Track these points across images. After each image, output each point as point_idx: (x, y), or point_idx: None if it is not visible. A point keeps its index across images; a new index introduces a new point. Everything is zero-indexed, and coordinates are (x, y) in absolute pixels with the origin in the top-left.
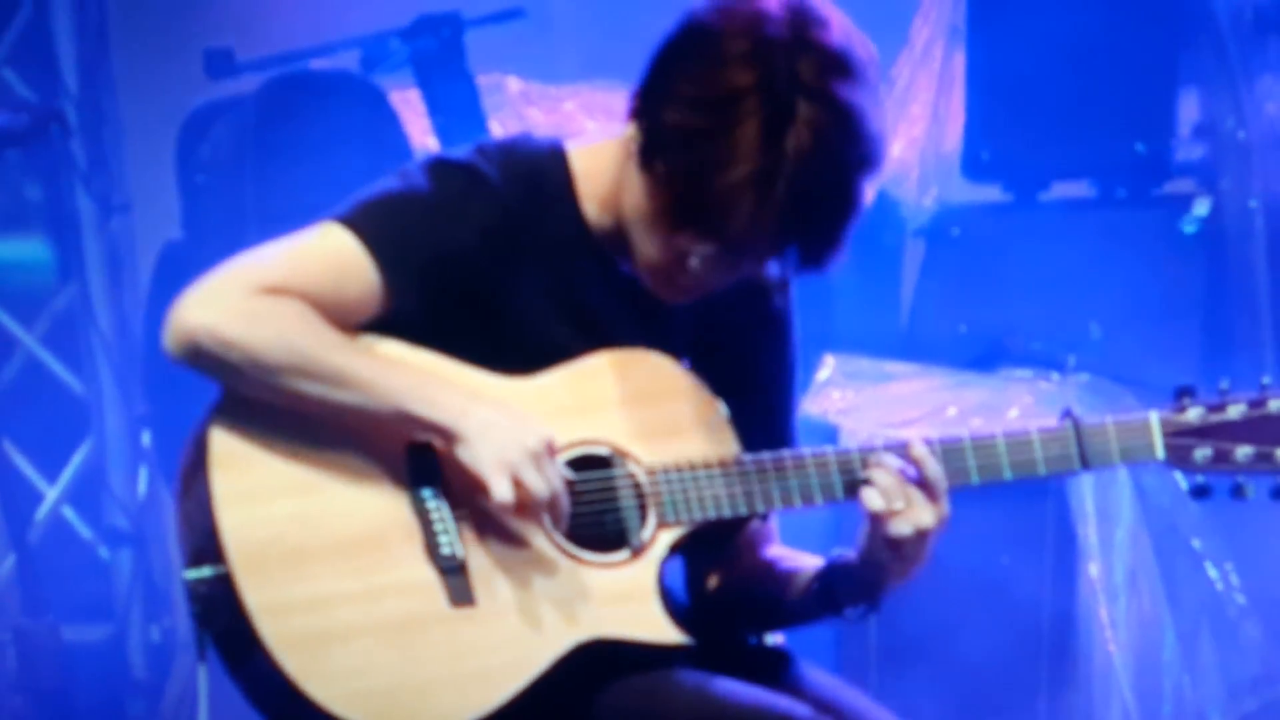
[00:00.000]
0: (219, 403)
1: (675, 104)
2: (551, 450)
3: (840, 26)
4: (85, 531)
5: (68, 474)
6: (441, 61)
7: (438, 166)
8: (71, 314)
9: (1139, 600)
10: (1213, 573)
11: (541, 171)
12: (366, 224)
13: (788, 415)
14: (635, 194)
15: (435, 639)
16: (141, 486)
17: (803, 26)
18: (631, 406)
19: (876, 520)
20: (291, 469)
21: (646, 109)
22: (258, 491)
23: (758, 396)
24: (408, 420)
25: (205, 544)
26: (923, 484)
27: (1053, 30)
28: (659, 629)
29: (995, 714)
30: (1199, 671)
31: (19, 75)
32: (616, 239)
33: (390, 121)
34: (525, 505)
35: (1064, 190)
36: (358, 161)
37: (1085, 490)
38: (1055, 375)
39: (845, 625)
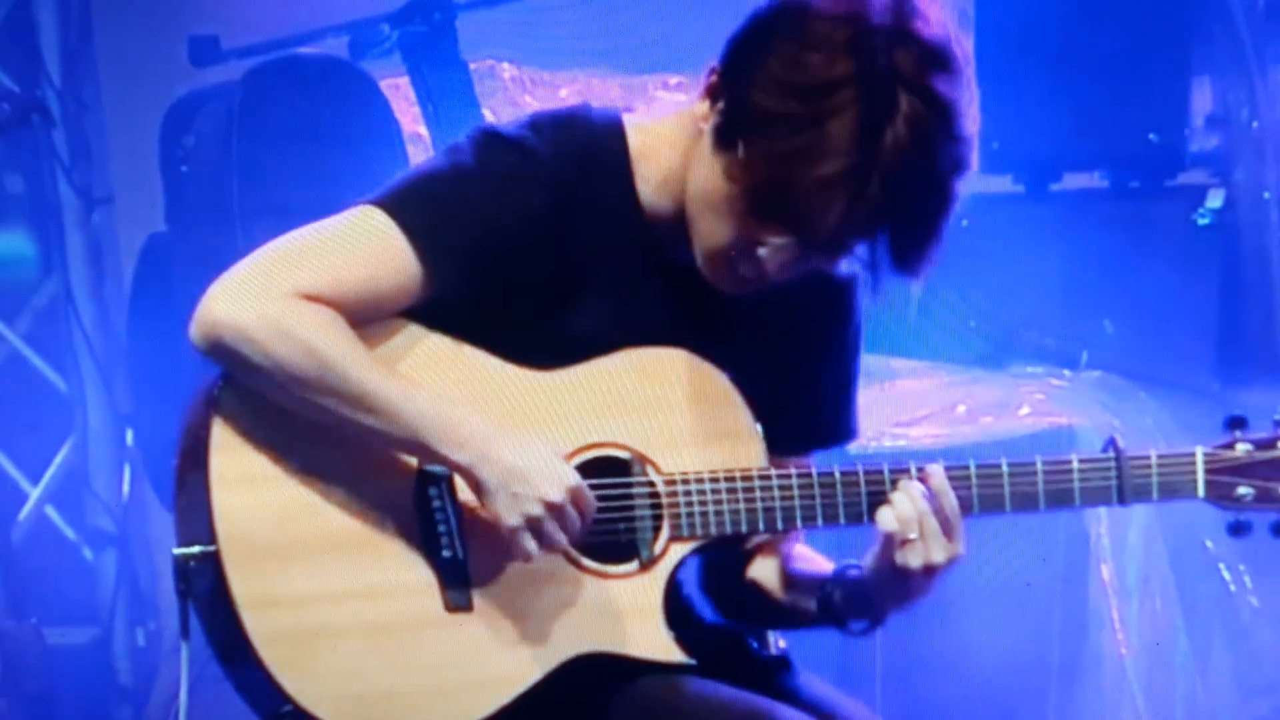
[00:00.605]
0: (223, 383)
1: (765, 86)
2: (578, 496)
3: (939, 19)
4: (69, 532)
5: (50, 473)
6: (432, 47)
7: (488, 142)
8: (54, 309)
9: (1151, 602)
10: (1226, 575)
11: (597, 149)
12: (406, 210)
13: (848, 408)
14: (706, 175)
15: (428, 644)
16: (125, 486)
17: (905, 16)
18: (659, 409)
19: (888, 545)
20: (293, 457)
21: (730, 86)
22: (256, 477)
23: (814, 388)
24: (430, 455)
25: (198, 523)
26: (941, 517)
27: (1064, 18)
28: (662, 649)
29: (1005, 716)
30: (1211, 675)
31: (1, 65)
32: (671, 223)
33: (380, 109)
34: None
35: (1076, 181)
36: (346, 151)
37: None
38: (1067, 372)
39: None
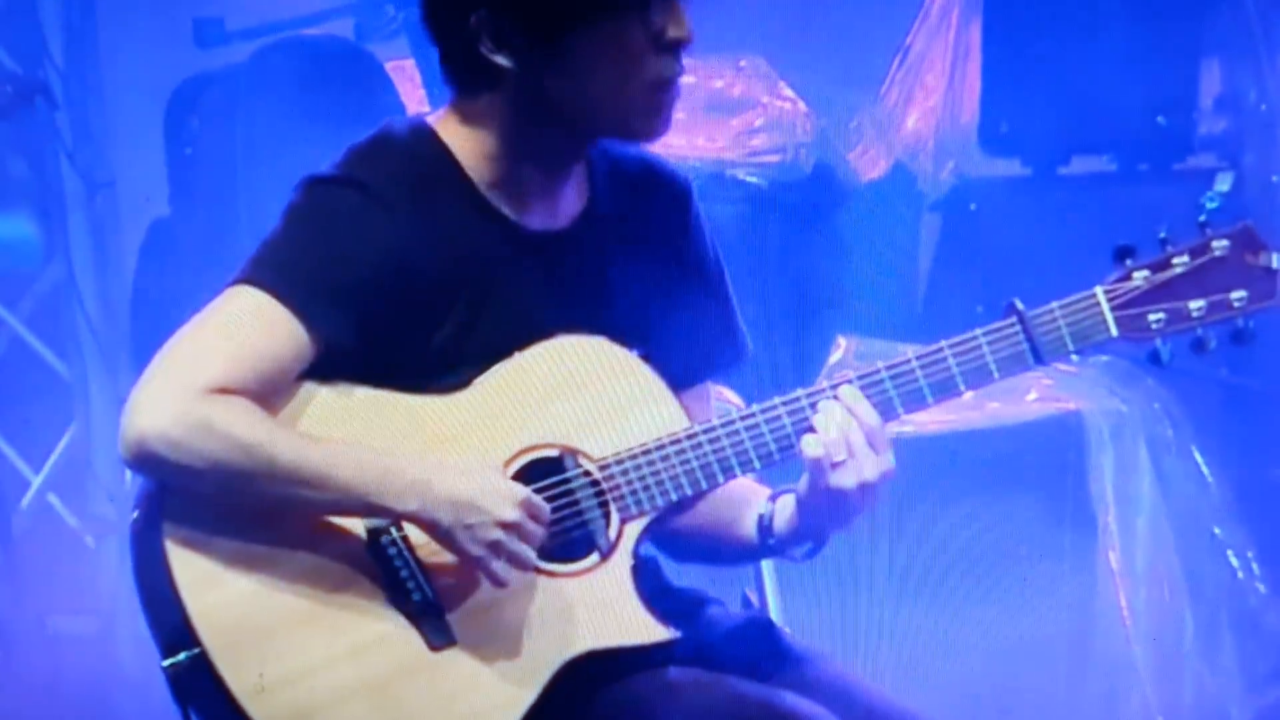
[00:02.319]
0: (159, 494)
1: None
2: (530, 507)
3: None
4: (71, 520)
5: (53, 460)
6: None
7: (317, 190)
8: (56, 295)
9: (1159, 589)
10: (1234, 562)
11: (417, 156)
12: (269, 276)
13: (732, 324)
14: (573, 81)
15: (422, 687)
16: (128, 473)
17: None
18: (568, 397)
19: (818, 470)
20: (246, 544)
21: (514, 23)
22: (218, 573)
23: (693, 314)
24: (376, 512)
25: (178, 632)
26: (865, 430)
27: (1071, 2)
28: (645, 630)
29: (1013, 704)
30: (1219, 661)
31: (3, 46)
32: (515, 192)
33: (385, 91)
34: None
35: (1084, 164)
36: (352, 133)
37: (1105, 477)
38: (1075, 357)
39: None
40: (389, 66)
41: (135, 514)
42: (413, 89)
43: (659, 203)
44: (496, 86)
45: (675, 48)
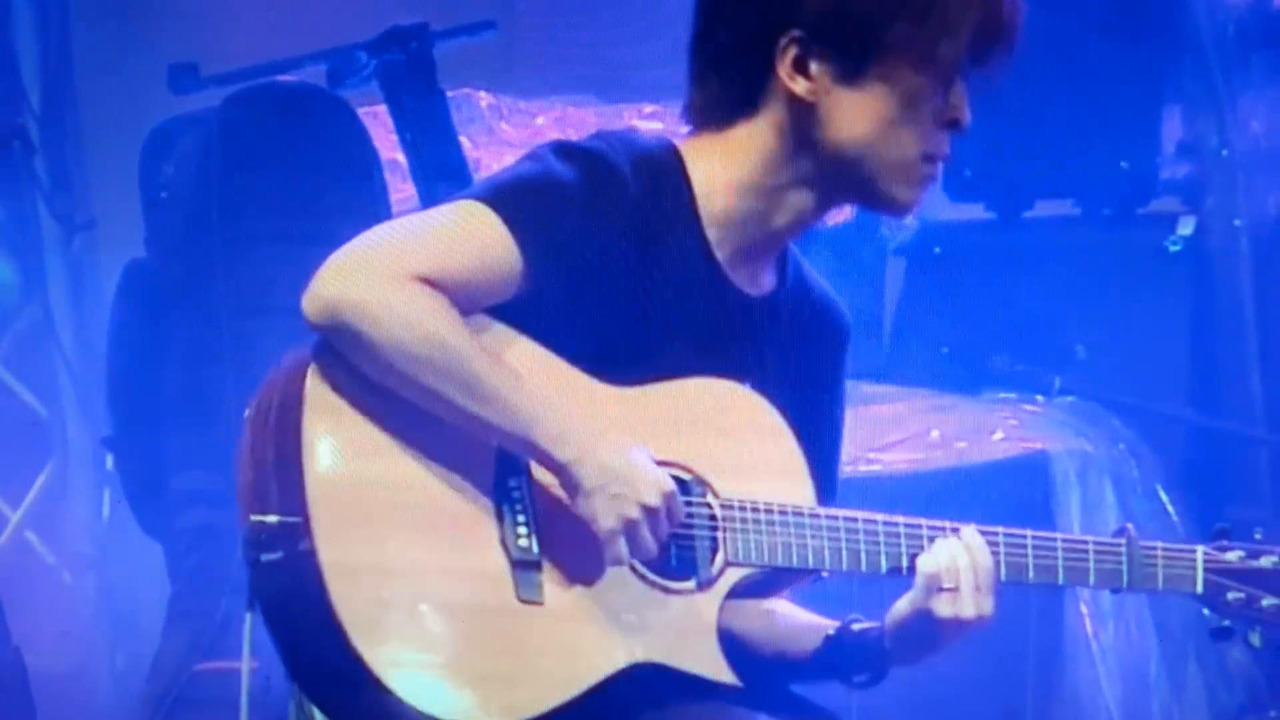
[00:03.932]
0: (317, 353)
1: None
2: (672, 503)
3: None
4: (49, 556)
5: (30, 498)
6: (410, 76)
7: (571, 152)
8: (34, 335)
9: (1126, 625)
10: None
11: (658, 165)
12: (510, 206)
13: (834, 467)
14: (853, 119)
15: (498, 631)
16: (105, 510)
17: None
18: (718, 437)
19: (924, 591)
20: (384, 432)
21: (828, 30)
22: (348, 448)
23: (813, 442)
24: (530, 448)
25: (283, 487)
26: (977, 572)
27: (1036, 46)
28: (715, 667)
29: None
30: (1186, 697)
31: None
32: (732, 242)
33: (359, 137)
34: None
35: (1048, 209)
36: (325, 178)
37: (1072, 516)
38: (1040, 398)
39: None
40: (362, 112)
41: (278, 375)
42: (385, 134)
43: (827, 328)
44: (761, 115)
45: (953, 127)
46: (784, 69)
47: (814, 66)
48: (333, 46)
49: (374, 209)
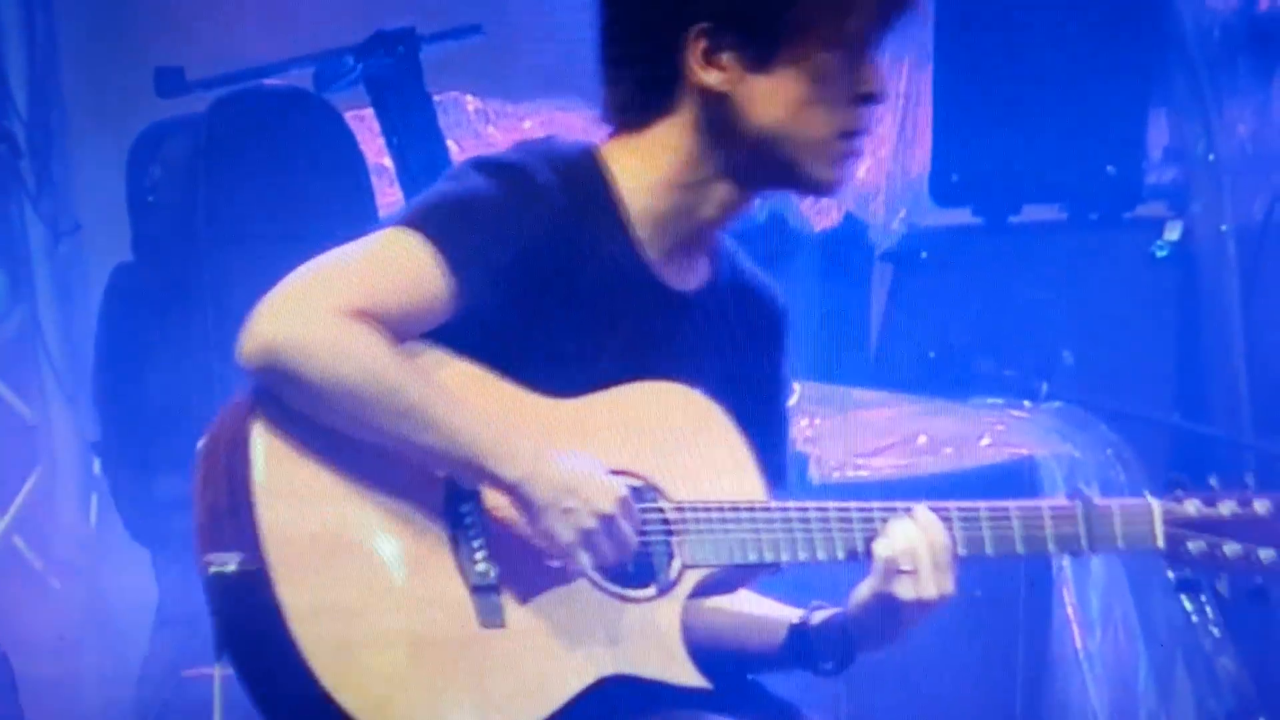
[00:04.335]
0: (258, 398)
1: None
2: (626, 508)
3: None
4: (36, 562)
5: (18, 502)
6: (397, 79)
7: (490, 168)
8: (21, 339)
9: (1114, 632)
10: (1188, 605)
11: (579, 170)
12: (436, 229)
13: (781, 449)
14: (767, 104)
15: (465, 659)
16: (93, 516)
17: None
18: (665, 441)
19: (882, 576)
20: (333, 471)
21: (731, 26)
22: (300, 491)
23: (757, 426)
24: (478, 471)
25: (238, 536)
26: (934, 551)
27: (1022, 50)
28: (682, 672)
29: None
30: (1174, 704)
31: None
32: (661, 239)
33: (346, 141)
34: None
35: (1035, 213)
36: (312, 182)
37: None
38: (1027, 403)
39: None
40: (349, 116)
41: (228, 411)
42: (372, 138)
43: (764, 314)
44: (677, 111)
45: (868, 101)
46: (695, 62)
47: (724, 57)
48: (319, 50)
49: (360, 213)
